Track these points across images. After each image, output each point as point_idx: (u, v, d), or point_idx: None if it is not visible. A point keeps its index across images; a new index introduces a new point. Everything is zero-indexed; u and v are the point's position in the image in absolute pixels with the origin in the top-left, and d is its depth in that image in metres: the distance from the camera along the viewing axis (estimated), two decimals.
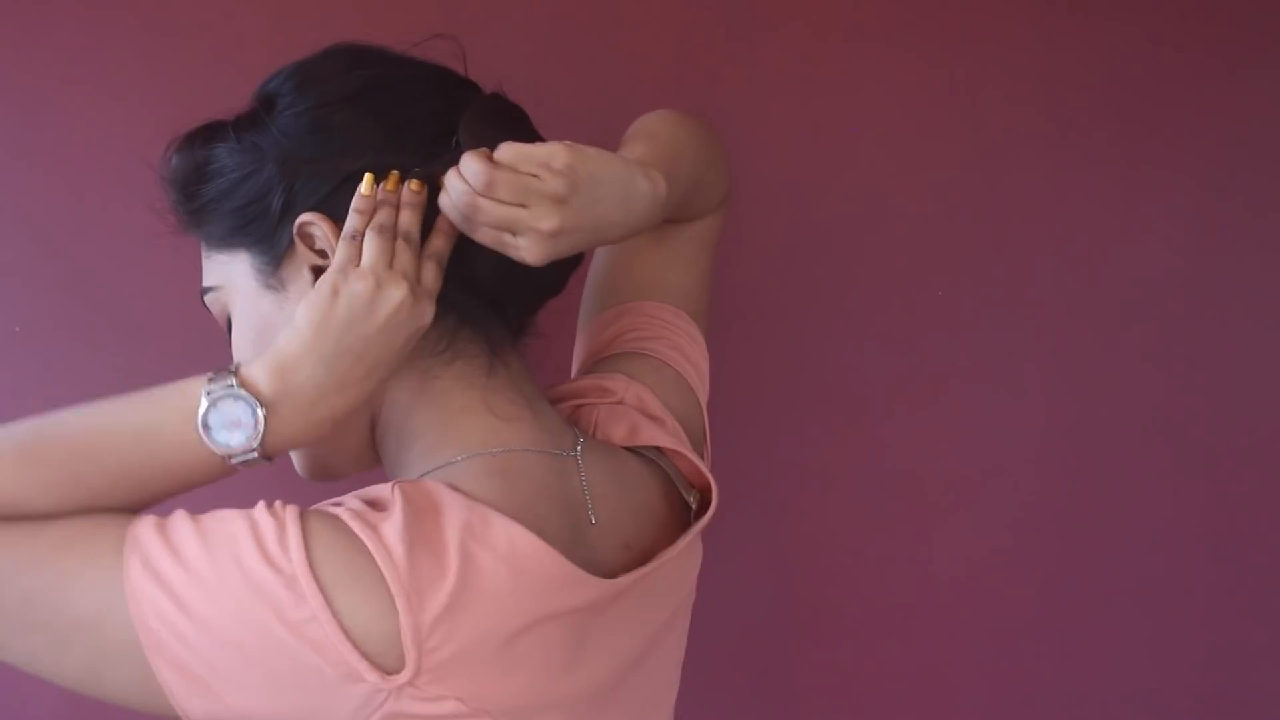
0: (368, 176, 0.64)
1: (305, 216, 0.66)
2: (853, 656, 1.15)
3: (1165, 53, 1.13)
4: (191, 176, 0.70)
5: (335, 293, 0.63)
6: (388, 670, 0.57)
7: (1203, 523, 1.17)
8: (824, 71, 1.10)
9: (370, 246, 0.64)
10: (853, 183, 1.11)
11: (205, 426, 0.61)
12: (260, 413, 0.62)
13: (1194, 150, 1.14)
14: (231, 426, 0.61)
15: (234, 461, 0.62)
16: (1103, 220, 1.13)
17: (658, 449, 0.77)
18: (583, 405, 0.78)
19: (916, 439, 1.13)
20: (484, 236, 0.64)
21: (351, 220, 0.64)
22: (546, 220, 0.62)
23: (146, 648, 0.57)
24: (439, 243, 0.66)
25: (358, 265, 0.63)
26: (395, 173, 0.65)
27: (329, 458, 0.73)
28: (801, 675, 1.15)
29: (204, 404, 0.61)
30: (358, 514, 0.59)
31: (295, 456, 0.74)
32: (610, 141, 0.85)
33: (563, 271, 0.73)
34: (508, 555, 0.60)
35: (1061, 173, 1.13)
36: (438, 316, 0.67)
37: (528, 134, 0.72)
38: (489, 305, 0.70)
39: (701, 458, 0.82)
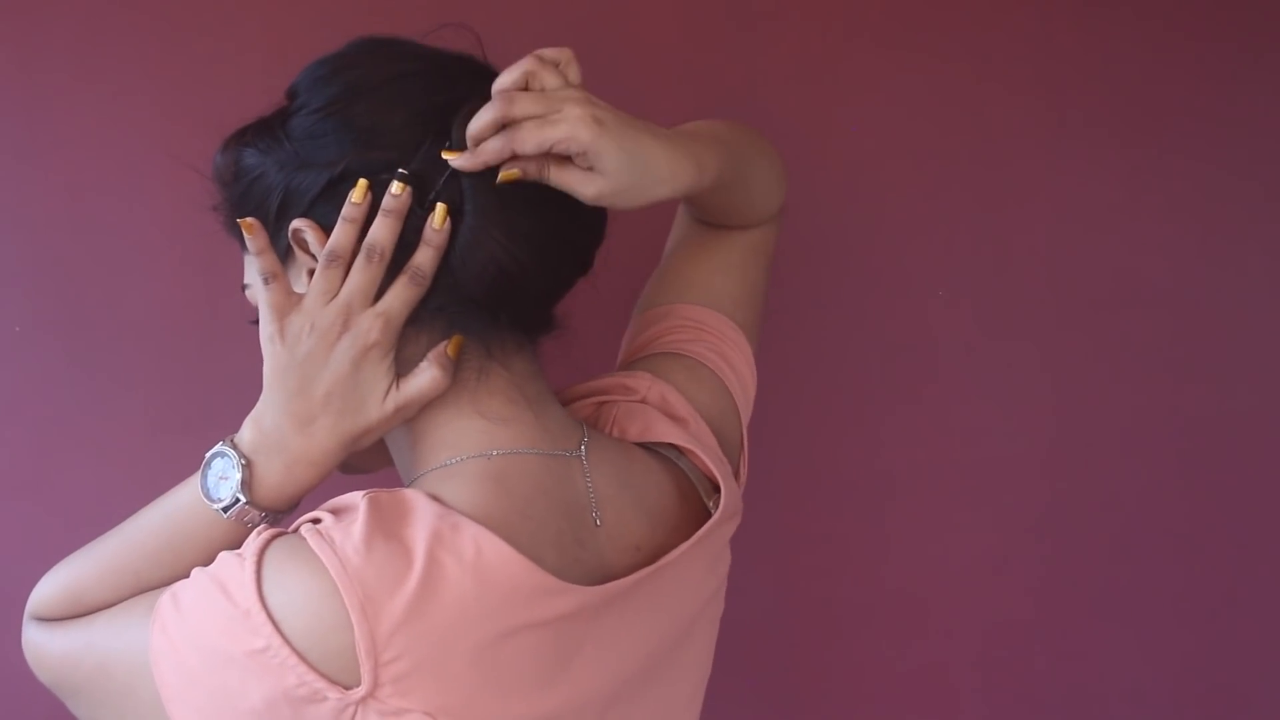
0: (361, 183, 0.64)
1: (296, 223, 0.66)
2: (854, 656, 1.15)
3: (1165, 47, 1.13)
4: (226, 177, 0.70)
5: (278, 336, 0.66)
6: (347, 685, 0.56)
7: (1203, 521, 1.17)
8: (825, 69, 1.10)
9: (316, 278, 0.65)
10: (853, 182, 1.11)
11: (204, 487, 0.66)
12: (240, 463, 0.65)
13: (1195, 147, 1.14)
14: (219, 481, 0.66)
15: (230, 515, 0.65)
16: (1104, 219, 1.13)
17: (675, 448, 0.74)
18: (605, 402, 0.77)
19: (916, 438, 1.13)
20: (534, 168, 0.62)
21: (331, 238, 0.65)
22: (580, 106, 0.62)
23: (165, 699, 0.59)
24: (422, 257, 0.64)
25: (328, 298, 0.65)
26: (363, 182, 0.64)
27: (351, 457, 0.72)
28: (802, 675, 1.15)
29: (203, 466, 0.67)
30: (318, 530, 0.59)
31: None
32: None
33: (557, 280, 0.70)
34: (474, 564, 0.58)
35: (1062, 172, 1.13)
36: (426, 322, 0.66)
37: None
38: (481, 310, 0.67)
39: (736, 466, 0.79)
